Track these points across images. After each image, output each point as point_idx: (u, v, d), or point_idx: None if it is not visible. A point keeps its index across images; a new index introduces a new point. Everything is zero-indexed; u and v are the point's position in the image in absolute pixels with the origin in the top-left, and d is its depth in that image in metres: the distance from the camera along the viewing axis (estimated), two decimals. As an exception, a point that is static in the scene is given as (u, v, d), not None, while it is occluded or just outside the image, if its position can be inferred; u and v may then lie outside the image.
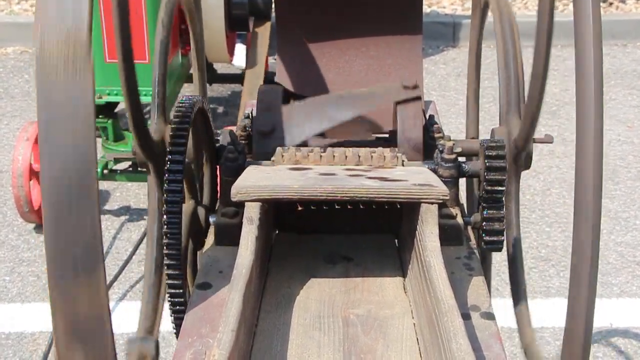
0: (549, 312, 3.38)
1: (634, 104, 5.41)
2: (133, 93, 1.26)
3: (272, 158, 1.55)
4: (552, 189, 4.33)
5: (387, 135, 1.78)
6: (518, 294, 1.51)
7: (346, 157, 1.54)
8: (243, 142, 1.68)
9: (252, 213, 1.34)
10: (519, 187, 1.61)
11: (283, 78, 2.05)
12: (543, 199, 4.25)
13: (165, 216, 1.40)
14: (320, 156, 1.54)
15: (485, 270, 1.85)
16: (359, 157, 1.54)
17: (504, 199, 1.51)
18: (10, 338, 3.28)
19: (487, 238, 1.50)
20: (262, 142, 1.68)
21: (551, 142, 1.67)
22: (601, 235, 3.55)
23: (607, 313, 3.40)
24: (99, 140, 3.91)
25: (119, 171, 3.94)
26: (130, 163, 3.93)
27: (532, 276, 3.63)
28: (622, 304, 3.49)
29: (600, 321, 3.33)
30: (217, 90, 5.50)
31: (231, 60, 4.51)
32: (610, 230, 3.96)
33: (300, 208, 1.60)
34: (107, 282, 3.47)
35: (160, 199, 1.41)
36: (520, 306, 1.49)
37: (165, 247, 1.42)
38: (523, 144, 1.53)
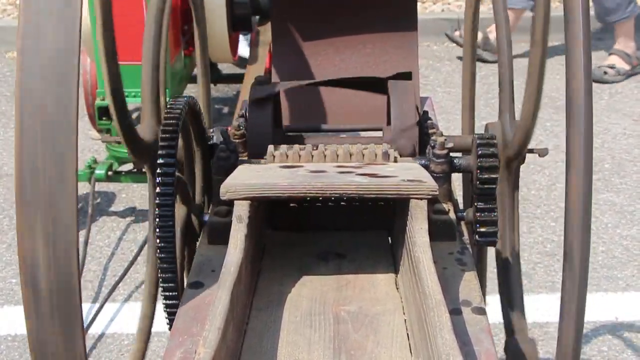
0: (554, 307, 3.37)
1: (640, 97, 5.39)
2: (118, 94, 1.27)
3: (264, 157, 1.56)
4: (557, 184, 4.31)
5: (380, 134, 1.78)
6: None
7: (337, 155, 1.54)
8: (237, 140, 1.69)
9: (241, 211, 1.35)
10: (516, 194, 1.60)
11: (278, 77, 2.06)
12: (548, 193, 4.24)
13: (157, 219, 1.40)
14: (312, 155, 1.55)
15: (481, 269, 1.85)
16: (351, 154, 1.54)
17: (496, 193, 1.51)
18: (17, 340, 3.29)
19: (480, 233, 1.50)
20: (258, 87, 1.70)
21: (545, 155, 1.67)
22: (606, 229, 3.49)
23: (612, 307, 3.39)
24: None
25: (124, 172, 3.94)
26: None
27: (538, 271, 3.61)
28: (627, 298, 3.47)
29: (605, 315, 3.32)
30: (222, 90, 5.50)
31: (235, 59, 4.52)
32: (616, 224, 3.94)
33: (293, 205, 1.60)
34: (112, 283, 3.52)
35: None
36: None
37: (158, 250, 1.43)
38: (515, 155, 1.53)
